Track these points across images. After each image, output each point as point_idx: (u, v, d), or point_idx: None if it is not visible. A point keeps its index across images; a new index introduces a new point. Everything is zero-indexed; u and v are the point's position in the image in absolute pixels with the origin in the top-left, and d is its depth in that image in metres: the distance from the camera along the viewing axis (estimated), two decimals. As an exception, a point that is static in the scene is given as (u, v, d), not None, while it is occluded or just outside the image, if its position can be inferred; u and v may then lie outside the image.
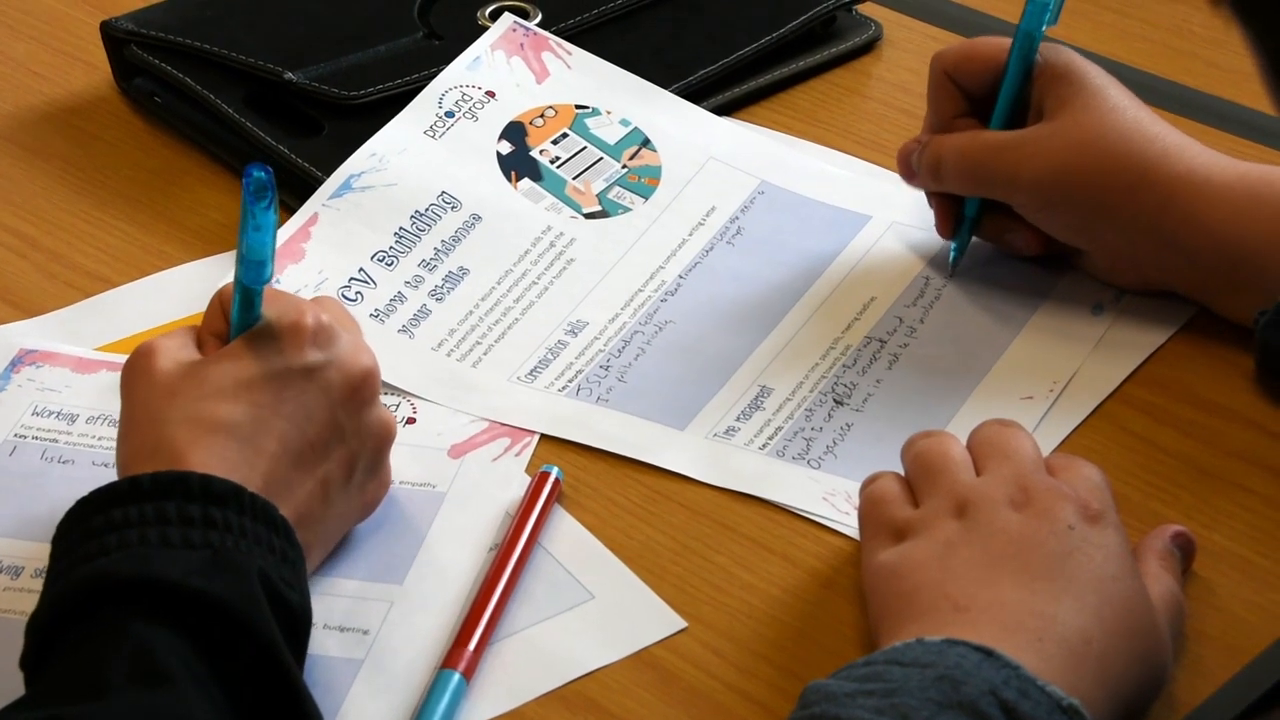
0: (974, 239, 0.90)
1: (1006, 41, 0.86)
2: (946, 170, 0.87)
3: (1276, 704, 0.57)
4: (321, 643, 0.74)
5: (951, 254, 0.89)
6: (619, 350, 0.87)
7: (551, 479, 0.80)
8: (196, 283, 0.90)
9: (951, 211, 0.88)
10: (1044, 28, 0.85)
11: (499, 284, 0.90)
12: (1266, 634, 0.74)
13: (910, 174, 0.89)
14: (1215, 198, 0.82)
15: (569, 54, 0.99)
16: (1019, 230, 0.87)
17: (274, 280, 0.74)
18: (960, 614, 0.69)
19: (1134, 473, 0.81)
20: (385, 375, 0.82)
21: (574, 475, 0.81)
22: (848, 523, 0.78)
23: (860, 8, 1.06)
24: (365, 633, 0.74)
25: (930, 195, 0.89)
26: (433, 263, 0.90)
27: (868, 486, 0.76)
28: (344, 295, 0.88)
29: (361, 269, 0.89)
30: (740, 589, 0.77)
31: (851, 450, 0.82)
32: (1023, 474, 0.73)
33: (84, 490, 0.69)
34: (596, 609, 0.75)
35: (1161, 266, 0.85)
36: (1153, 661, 0.70)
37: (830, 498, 0.80)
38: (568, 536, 0.78)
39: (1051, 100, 0.85)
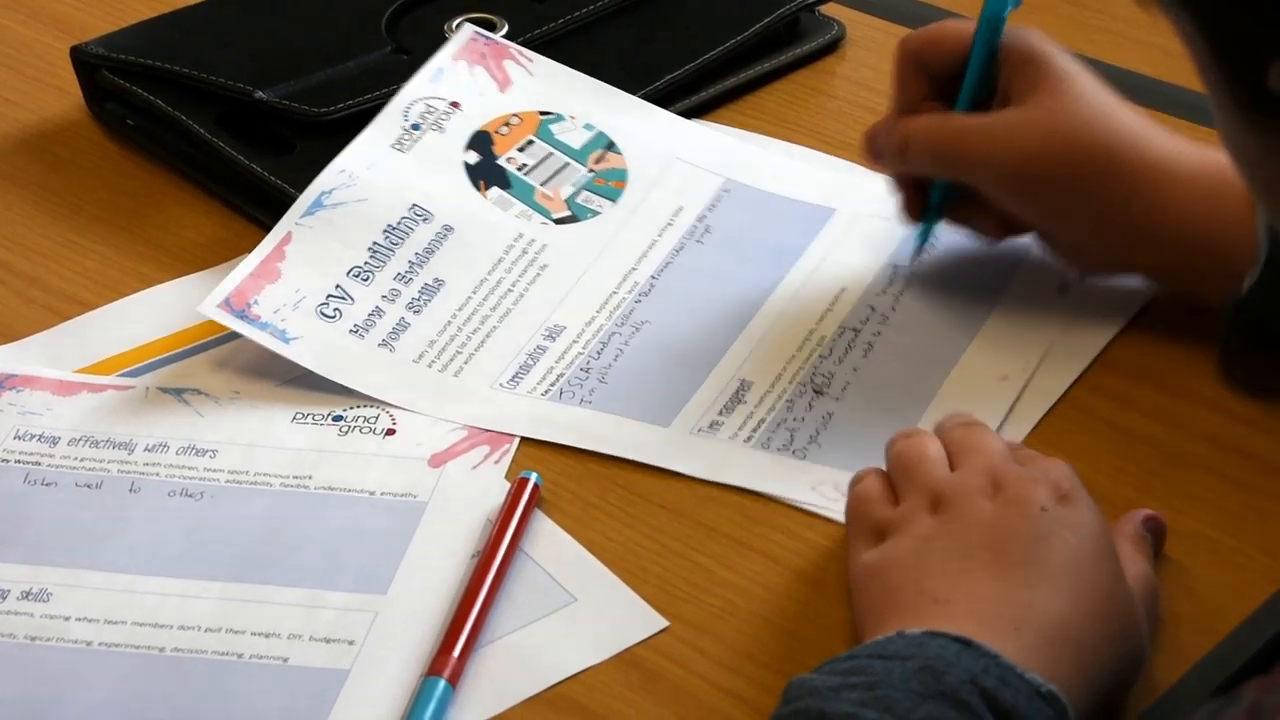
0: (939, 225, 0.89)
1: (972, 25, 0.85)
2: (914, 151, 0.85)
3: (1246, 680, 0.57)
4: (307, 654, 0.74)
5: (915, 239, 0.88)
6: (598, 352, 0.87)
7: (531, 484, 0.79)
8: (174, 303, 0.90)
9: (917, 196, 0.87)
10: (1007, 11, 0.84)
11: (475, 293, 0.90)
12: (1237, 613, 0.74)
13: (876, 156, 0.87)
14: (1182, 185, 0.81)
15: (530, 61, 0.98)
16: (985, 214, 0.86)
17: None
18: (940, 606, 0.69)
19: (1104, 459, 0.80)
20: (368, 390, 0.85)
21: (553, 480, 0.81)
22: (836, 509, 0.78)
23: (823, 9, 1.05)
24: (351, 643, 0.74)
25: (895, 180, 0.88)
26: (408, 276, 0.89)
27: (853, 487, 0.76)
28: (322, 313, 0.87)
29: (338, 286, 0.88)
30: (721, 587, 0.76)
31: (835, 439, 0.82)
32: (993, 464, 0.73)
33: (68, 512, 0.68)
34: (579, 611, 0.75)
35: (1128, 252, 0.84)
36: (1130, 644, 0.70)
37: (818, 487, 0.80)
38: (548, 541, 0.78)
39: (1019, 85, 0.84)
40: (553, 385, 0.86)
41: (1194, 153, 0.82)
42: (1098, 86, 0.84)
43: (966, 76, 0.85)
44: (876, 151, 0.87)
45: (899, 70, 0.86)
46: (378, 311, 0.88)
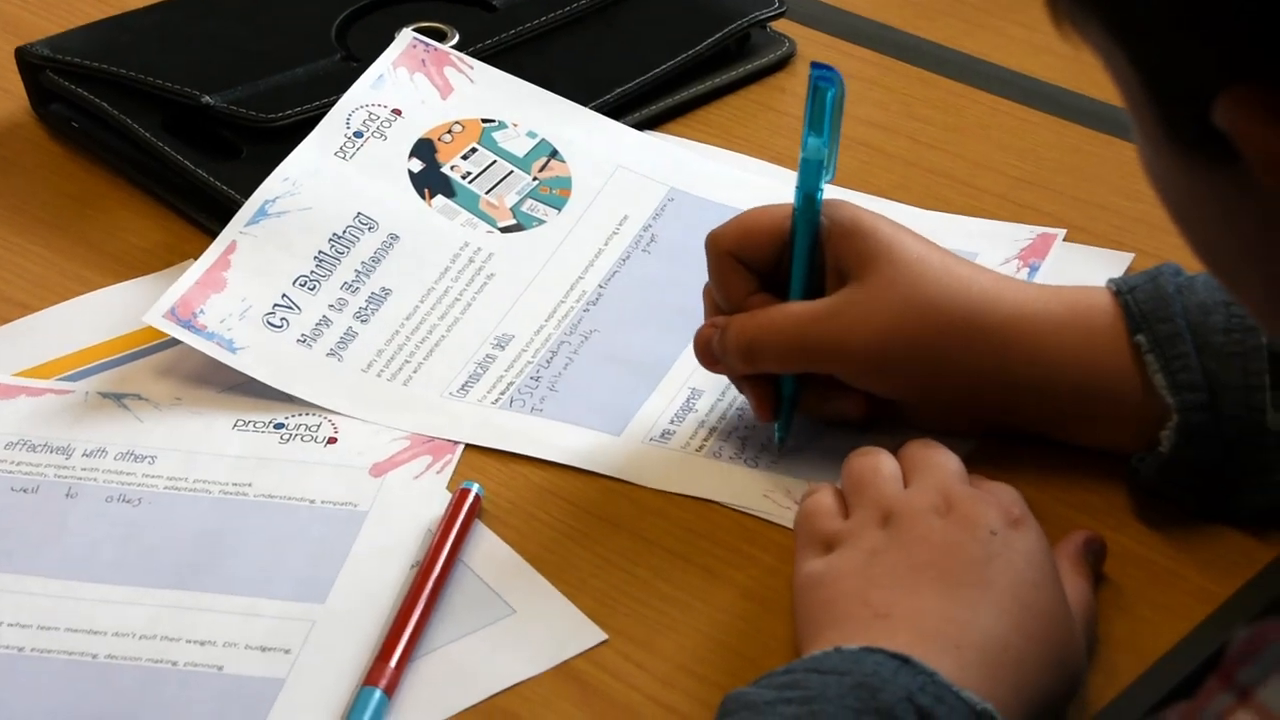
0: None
1: (782, 208, 0.80)
2: (761, 351, 0.79)
3: (1177, 700, 0.57)
4: (242, 663, 0.73)
5: (776, 435, 0.81)
6: (547, 361, 0.87)
7: (472, 495, 0.79)
8: (117, 307, 0.89)
9: (769, 393, 0.81)
10: (823, 184, 0.79)
11: (422, 302, 0.89)
12: (1171, 635, 0.73)
13: (712, 361, 0.81)
14: (1053, 333, 0.78)
15: (470, 68, 0.97)
16: (843, 397, 0.81)
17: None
18: (880, 621, 0.68)
19: (1045, 477, 0.80)
20: (317, 400, 0.84)
21: (495, 491, 0.80)
22: (787, 517, 0.78)
23: (774, 25, 1.05)
24: (287, 652, 0.74)
25: (739, 381, 0.82)
26: (355, 285, 0.89)
27: (804, 500, 0.76)
28: (269, 322, 0.87)
29: (284, 295, 0.88)
30: (660, 601, 0.76)
31: (788, 449, 0.82)
32: (947, 484, 0.73)
33: (2, 517, 0.67)
34: (517, 623, 0.75)
35: (1006, 409, 0.79)
36: (1068, 666, 0.70)
37: (770, 494, 0.80)
38: (489, 552, 0.78)
39: (850, 260, 0.79)
40: (503, 394, 0.85)
41: (1049, 297, 0.79)
42: (928, 246, 0.79)
43: (794, 263, 0.80)
44: (714, 357, 0.81)
45: (716, 271, 0.81)
46: (325, 321, 0.87)
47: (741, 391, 0.83)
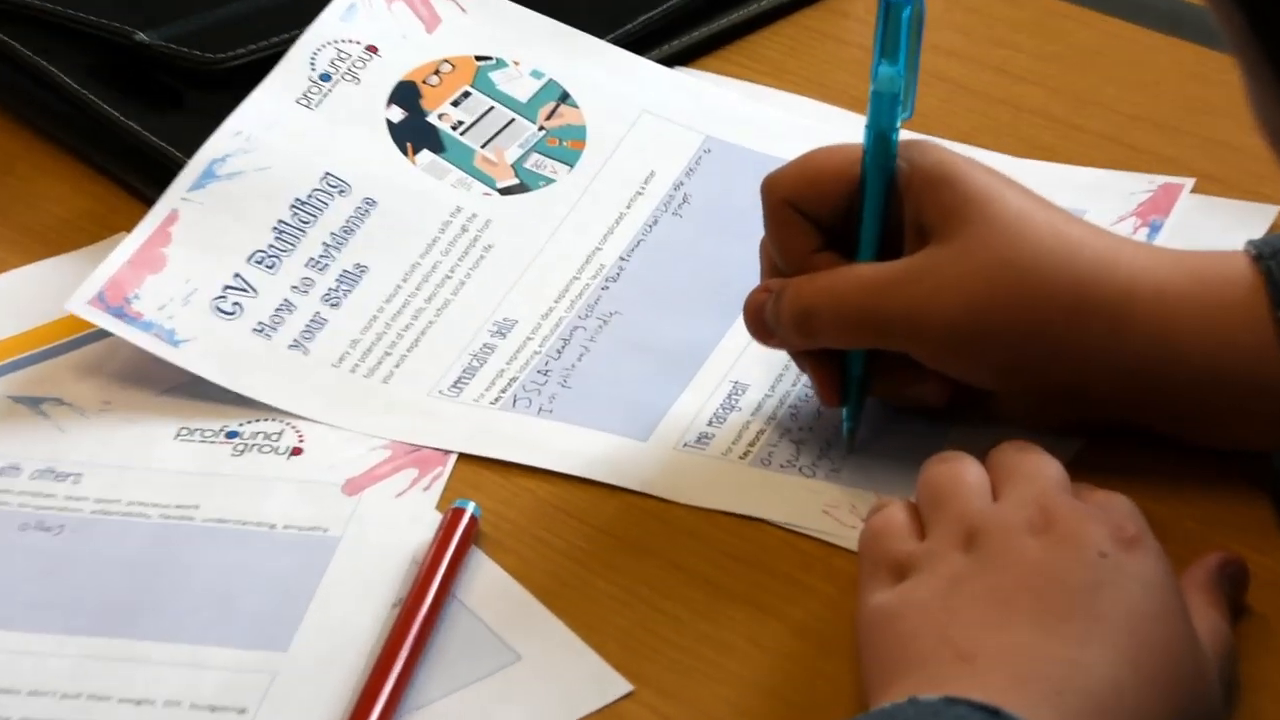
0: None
1: (852, 150, 0.81)
2: (821, 321, 0.80)
3: None
4: (188, 727, 0.74)
5: (845, 426, 0.82)
6: (558, 351, 0.87)
7: (467, 516, 0.79)
8: (33, 293, 0.90)
9: (834, 373, 0.82)
10: (900, 122, 0.80)
11: (405, 281, 0.89)
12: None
13: (766, 333, 0.82)
14: (1178, 309, 0.78)
15: None
16: (923, 380, 0.81)
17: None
18: (964, 664, 0.68)
19: (1168, 486, 0.80)
20: (279, 402, 0.85)
21: (494, 511, 0.80)
22: (851, 538, 0.78)
23: (832, -66, 1.06)
24: (242, 712, 0.74)
25: (799, 359, 0.83)
26: (323, 261, 0.89)
27: (870, 517, 0.76)
28: (219, 308, 0.87)
29: (237, 275, 0.88)
30: (697, 642, 0.76)
31: (853, 454, 0.82)
32: (1045, 495, 0.72)
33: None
34: (524, 672, 0.75)
35: (1120, 401, 0.80)
36: (1197, 716, 0.69)
37: (832, 510, 0.80)
38: (488, 585, 0.78)
39: (933, 214, 0.79)
40: (504, 392, 0.86)
41: (1173, 264, 0.79)
42: (1033, 199, 0.79)
43: (865, 216, 0.80)
44: (767, 328, 0.81)
45: (773, 224, 0.82)
46: (287, 306, 0.88)
47: (802, 370, 0.84)
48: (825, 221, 0.81)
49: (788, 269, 0.82)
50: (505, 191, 0.93)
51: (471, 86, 0.95)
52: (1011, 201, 0.79)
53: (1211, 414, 0.79)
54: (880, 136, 0.79)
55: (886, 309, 0.79)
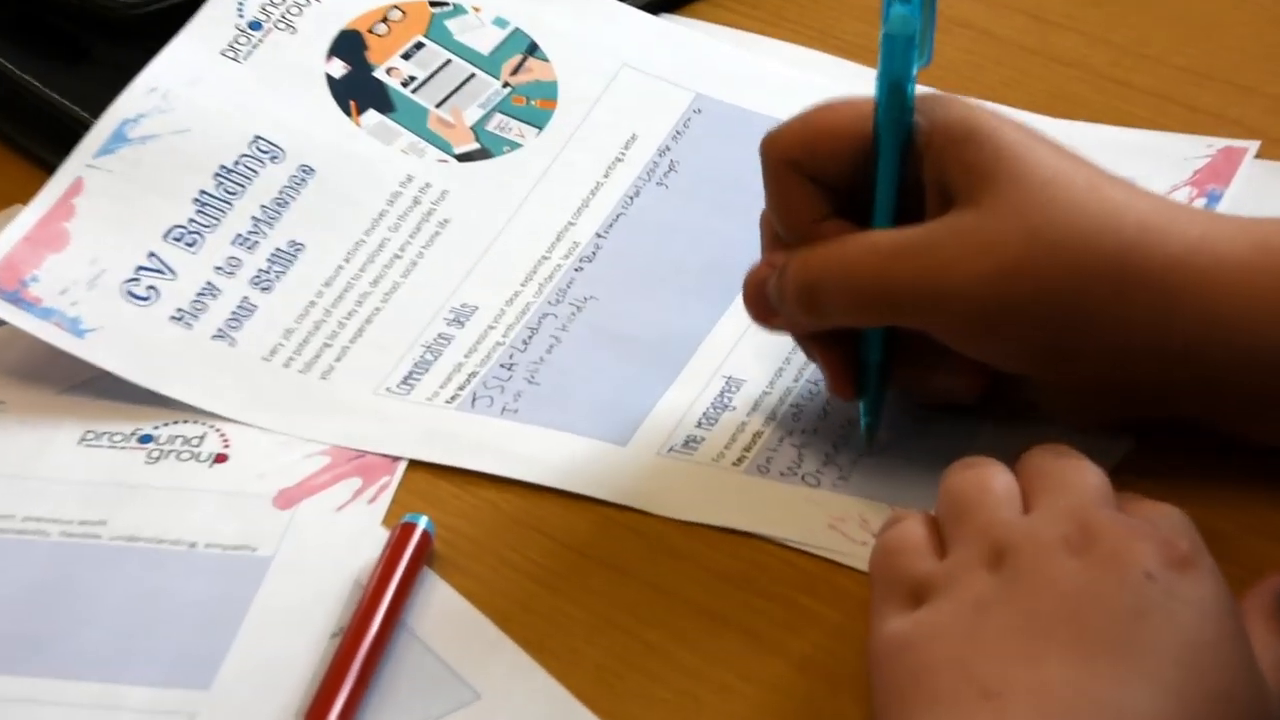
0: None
1: (862, 104, 0.80)
2: (829, 297, 0.79)
3: None
4: (97, 779, 0.73)
5: (862, 421, 0.82)
6: (524, 341, 0.86)
7: (418, 533, 0.78)
8: None
9: (847, 359, 0.81)
10: (915, 70, 0.79)
11: (348, 262, 0.89)
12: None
13: (768, 313, 0.81)
14: (1240, 284, 0.77)
15: None
16: (950, 369, 0.81)
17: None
18: (989, 702, 0.66)
19: (1225, 495, 0.78)
20: (199, 401, 0.85)
21: (450, 526, 0.80)
22: (861, 556, 0.77)
23: None
24: None
25: (805, 343, 0.83)
26: (252, 238, 0.89)
27: (883, 533, 0.75)
28: (131, 293, 0.87)
29: (152, 254, 0.88)
30: (683, 676, 0.75)
31: (864, 460, 0.82)
32: (1084, 508, 0.71)
33: None
34: (483, 712, 0.74)
35: (1170, 390, 0.79)
36: None
37: (839, 524, 0.79)
38: (443, 612, 0.77)
39: (958, 175, 0.78)
40: (461, 389, 0.85)
41: (1235, 232, 0.78)
42: (1071, 159, 0.79)
43: (879, 177, 0.79)
44: (768, 305, 0.81)
45: (774, 187, 0.81)
46: (210, 290, 0.87)
47: (810, 357, 0.83)
48: (833, 185, 0.80)
49: (792, 240, 0.81)
50: (464, 158, 0.92)
51: (425, 36, 0.95)
52: (1046, 159, 0.78)
53: (1276, 407, 0.78)
54: (894, 86, 0.78)
55: (903, 279, 0.78)
